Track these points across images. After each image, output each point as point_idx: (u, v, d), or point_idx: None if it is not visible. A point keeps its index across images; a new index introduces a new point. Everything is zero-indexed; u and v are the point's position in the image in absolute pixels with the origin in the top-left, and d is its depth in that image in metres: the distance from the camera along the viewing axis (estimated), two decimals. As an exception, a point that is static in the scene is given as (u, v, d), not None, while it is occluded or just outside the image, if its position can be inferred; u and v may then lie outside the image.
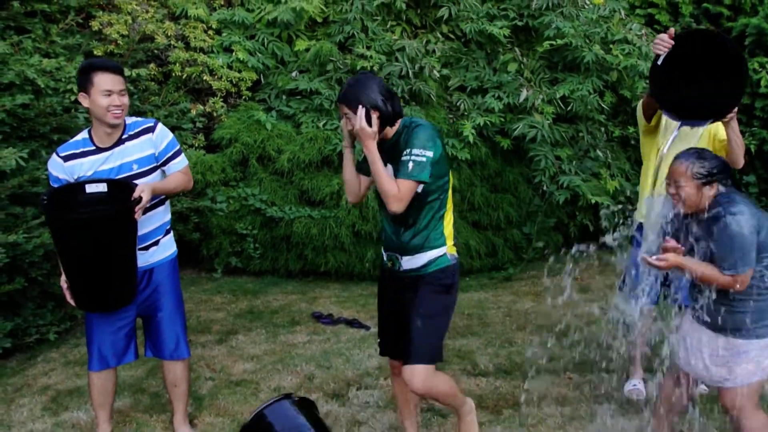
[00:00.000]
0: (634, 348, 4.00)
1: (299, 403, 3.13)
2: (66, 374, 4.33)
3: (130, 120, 3.23)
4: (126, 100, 3.10)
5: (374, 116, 2.81)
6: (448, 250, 2.95)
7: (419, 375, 2.84)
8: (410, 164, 2.76)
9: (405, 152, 2.80)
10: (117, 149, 3.12)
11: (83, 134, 3.19)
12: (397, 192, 2.77)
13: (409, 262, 2.95)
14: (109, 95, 3.03)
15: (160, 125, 3.26)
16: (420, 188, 2.82)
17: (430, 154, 2.77)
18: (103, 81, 3.02)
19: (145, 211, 3.15)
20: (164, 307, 3.33)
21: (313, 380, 4.21)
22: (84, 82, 3.05)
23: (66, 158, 3.12)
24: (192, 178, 3.36)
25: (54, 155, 3.14)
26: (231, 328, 5.18)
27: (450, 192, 2.95)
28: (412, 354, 2.86)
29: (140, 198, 2.94)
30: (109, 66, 3.07)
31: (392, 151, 2.89)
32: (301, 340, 4.93)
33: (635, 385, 3.97)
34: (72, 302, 3.14)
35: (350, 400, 3.94)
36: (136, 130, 3.19)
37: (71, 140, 3.20)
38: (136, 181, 3.07)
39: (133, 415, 3.79)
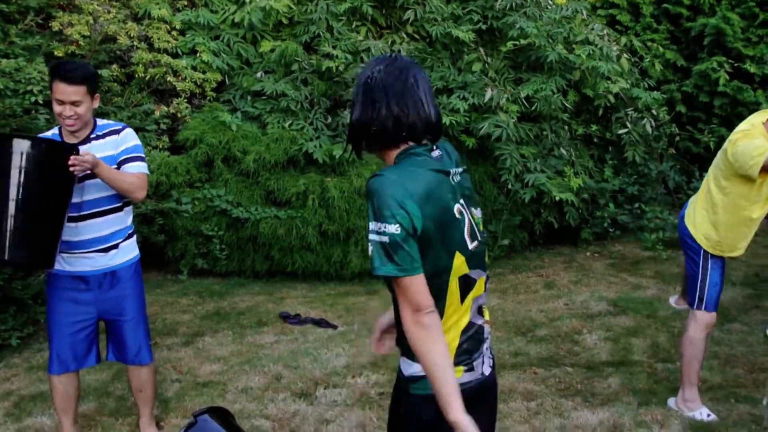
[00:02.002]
0: None
1: (217, 416, 3.12)
2: (29, 379, 4.27)
3: (101, 122, 3.24)
4: (81, 110, 3.02)
5: None
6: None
7: None
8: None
9: None
10: (84, 147, 3.10)
11: (54, 130, 3.21)
12: None
13: (402, 364, 1.96)
14: (61, 104, 3.00)
15: (128, 129, 3.25)
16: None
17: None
18: (57, 89, 2.99)
19: (106, 213, 3.16)
20: (127, 311, 3.30)
21: (280, 380, 4.21)
22: (50, 85, 3.06)
23: None
24: (146, 189, 3.19)
25: None
26: (197, 330, 5.15)
27: (456, 285, 1.87)
28: None
29: (78, 150, 2.89)
30: (65, 76, 2.99)
31: None
32: (269, 341, 4.92)
33: None
34: None
35: (318, 399, 3.95)
36: (104, 131, 3.19)
37: (42, 134, 3.21)
38: (97, 180, 3.06)
39: (99, 419, 3.76)
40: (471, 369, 1.90)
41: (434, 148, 1.86)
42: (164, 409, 3.84)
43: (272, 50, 6.75)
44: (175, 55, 6.65)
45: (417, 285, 1.74)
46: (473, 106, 6.65)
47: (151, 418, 3.52)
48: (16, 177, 2.79)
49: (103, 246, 3.20)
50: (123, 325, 3.30)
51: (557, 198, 6.61)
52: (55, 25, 6.04)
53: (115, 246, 3.24)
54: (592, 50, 7.10)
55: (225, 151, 6.34)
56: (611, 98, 7.00)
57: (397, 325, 1.88)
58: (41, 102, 4.82)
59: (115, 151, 3.16)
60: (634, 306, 5.46)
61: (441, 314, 1.83)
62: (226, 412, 3.23)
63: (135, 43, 6.44)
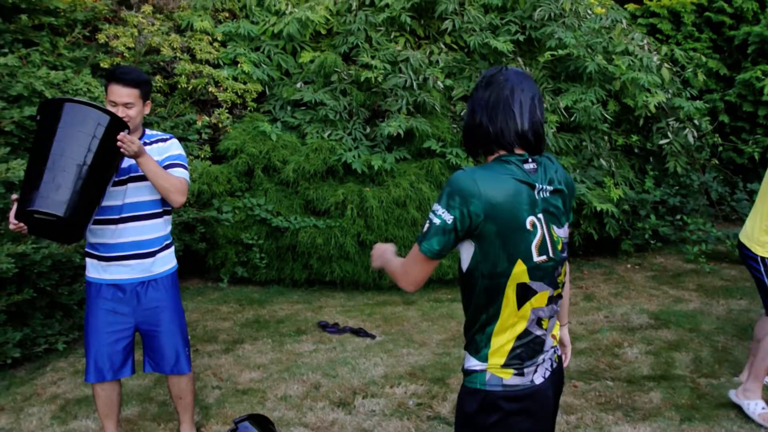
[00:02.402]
0: None
1: (257, 423, 3.16)
2: (74, 383, 4.36)
3: (150, 131, 3.32)
4: (132, 112, 3.12)
5: None
6: (488, 367, 1.98)
7: None
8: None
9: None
10: None
11: None
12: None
13: (465, 358, 2.08)
14: (114, 106, 3.09)
15: (174, 140, 3.33)
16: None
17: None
18: (111, 91, 3.09)
19: (146, 218, 3.21)
20: (163, 321, 3.32)
21: (319, 389, 4.23)
22: (105, 88, 3.15)
23: None
24: (185, 195, 3.21)
25: None
26: (237, 338, 5.21)
27: (513, 291, 1.94)
28: None
29: (129, 130, 2.97)
30: (120, 78, 3.10)
31: None
32: (307, 349, 4.96)
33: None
34: (13, 223, 2.90)
35: (356, 408, 3.96)
36: (152, 140, 3.27)
37: None
38: (140, 183, 3.15)
39: (141, 423, 3.82)
40: (521, 374, 1.97)
41: (529, 159, 1.94)
42: (205, 415, 3.89)
43: (312, 61, 6.83)
44: (216, 66, 6.76)
45: (426, 267, 1.97)
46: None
47: (191, 424, 3.57)
48: (87, 143, 2.85)
49: (140, 251, 3.23)
50: (160, 336, 3.32)
51: (597, 209, 6.56)
52: (102, 38, 6.18)
53: (153, 254, 3.27)
54: (632, 61, 7.04)
55: (265, 161, 6.42)
56: (652, 108, 6.92)
57: (465, 316, 2.03)
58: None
59: (160, 158, 3.22)
60: (676, 319, 5.38)
61: (496, 315, 1.94)
62: (266, 419, 3.28)
63: (178, 54, 6.57)
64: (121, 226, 3.18)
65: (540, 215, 1.93)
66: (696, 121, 7.46)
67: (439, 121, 6.68)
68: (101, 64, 5.99)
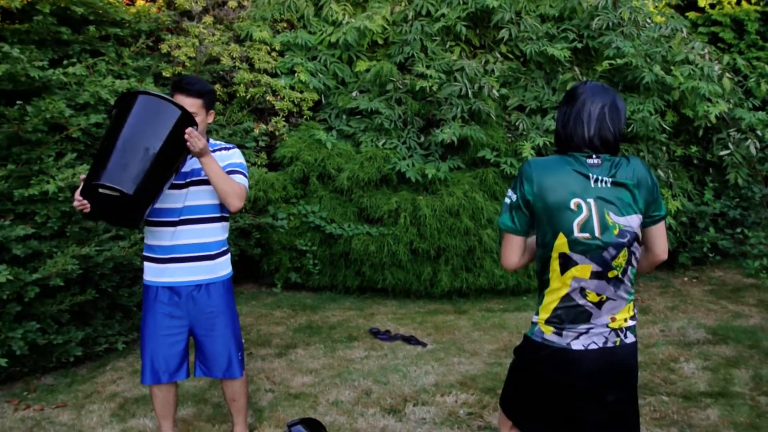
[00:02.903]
0: None
1: (310, 427, 3.18)
2: (133, 382, 4.49)
3: (214, 141, 3.41)
4: (197, 120, 3.23)
5: None
6: (538, 321, 2.38)
7: None
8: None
9: None
10: (191, 160, 3.27)
11: None
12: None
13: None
14: None
15: (237, 149, 3.42)
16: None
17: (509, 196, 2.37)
18: (176, 100, 3.17)
19: (204, 221, 3.28)
20: (217, 327, 3.37)
21: (370, 395, 4.27)
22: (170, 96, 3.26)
23: None
24: (242, 200, 3.27)
25: None
26: (290, 342, 5.28)
27: (556, 259, 2.31)
28: None
29: (196, 126, 3.06)
30: (184, 88, 3.20)
31: None
32: (359, 356, 5.00)
33: None
34: (78, 200, 2.97)
35: (407, 415, 3.98)
36: (215, 148, 3.36)
37: None
38: (200, 187, 3.23)
39: (196, 424, 3.91)
40: (559, 334, 2.32)
41: (593, 156, 2.29)
42: (258, 418, 3.95)
43: (367, 70, 6.90)
44: (274, 75, 6.89)
45: (509, 242, 2.41)
46: (567, 126, 6.57)
47: (244, 427, 3.63)
48: (156, 132, 2.96)
49: (196, 254, 3.30)
50: (213, 341, 3.37)
51: (654, 221, 6.44)
52: (164, 48, 6.37)
53: (209, 257, 3.33)
54: (692, 70, 6.91)
55: (320, 169, 6.50)
56: (713, 118, 6.78)
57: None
58: (150, 120, 5.09)
59: (222, 164, 3.30)
60: (735, 335, 5.25)
61: (548, 280, 2.35)
62: (319, 423, 3.32)
63: (237, 63, 6.71)
64: (179, 228, 3.25)
65: (590, 200, 2.24)
66: (759, 132, 7.27)
67: (493, 131, 6.67)
68: (163, 73, 6.18)
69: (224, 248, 3.42)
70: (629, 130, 6.73)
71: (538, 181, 2.27)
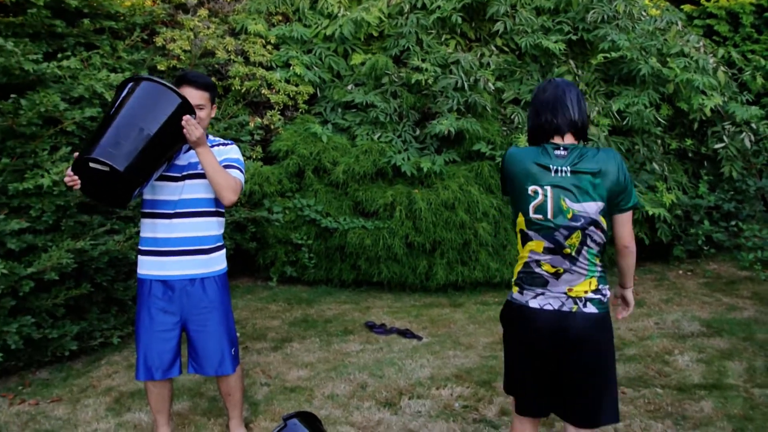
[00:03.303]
0: None
1: (305, 420, 3.19)
2: (128, 377, 4.49)
3: (212, 137, 3.40)
4: (203, 114, 3.25)
5: None
6: (512, 283, 2.78)
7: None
8: None
9: None
10: (189, 153, 3.26)
11: None
12: None
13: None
14: None
15: (234, 146, 3.41)
16: None
17: None
18: (186, 95, 3.16)
19: (200, 215, 3.28)
20: (210, 322, 3.36)
21: (365, 388, 4.27)
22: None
23: None
24: (237, 195, 3.27)
25: None
26: (286, 336, 5.29)
27: (518, 234, 2.70)
28: None
29: (195, 115, 3.07)
30: (192, 81, 3.22)
31: None
32: (354, 349, 5.00)
33: None
34: (69, 175, 2.96)
35: (402, 409, 3.99)
36: (214, 144, 3.35)
37: None
38: (196, 181, 3.23)
39: (192, 418, 3.91)
40: (521, 293, 2.69)
41: (560, 147, 2.58)
42: (254, 411, 3.96)
43: (363, 63, 6.89)
44: (269, 69, 6.87)
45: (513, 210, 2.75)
46: (563, 120, 6.58)
47: (240, 420, 3.64)
48: (154, 115, 2.97)
49: (191, 247, 3.29)
50: (205, 338, 3.35)
51: (649, 213, 6.46)
52: (159, 41, 6.35)
53: (203, 251, 3.33)
54: (687, 63, 6.92)
55: (315, 162, 6.50)
56: (707, 112, 6.79)
57: None
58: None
59: (218, 158, 3.30)
60: (730, 327, 5.27)
61: (518, 250, 2.74)
62: (314, 417, 3.32)
63: (232, 57, 6.70)
64: (175, 221, 3.25)
65: (547, 187, 2.56)
66: (753, 125, 7.29)
67: (489, 124, 6.67)
68: (158, 67, 6.16)
69: (219, 243, 3.41)
70: (624, 123, 6.74)
71: (508, 169, 2.67)
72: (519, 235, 2.69)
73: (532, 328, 2.66)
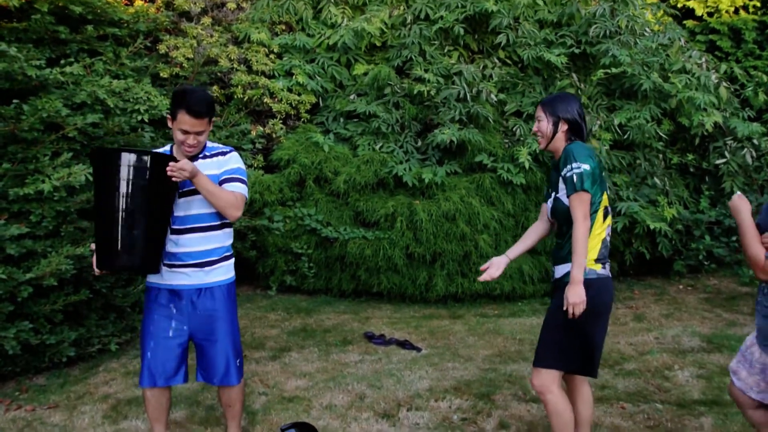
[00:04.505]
0: None
1: (303, 431, 3.17)
2: (125, 384, 4.47)
3: (211, 144, 3.36)
4: (202, 138, 3.20)
5: (563, 127, 3.13)
6: (587, 264, 2.99)
7: (534, 374, 3.14)
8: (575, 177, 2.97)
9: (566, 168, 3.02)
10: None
11: (166, 147, 3.37)
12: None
13: (558, 271, 3.15)
14: (185, 134, 3.16)
15: (234, 153, 3.37)
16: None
17: (586, 166, 2.97)
18: (184, 121, 3.13)
19: (206, 229, 3.26)
20: (216, 332, 3.35)
21: (364, 399, 4.25)
22: (172, 110, 3.18)
23: None
24: (241, 210, 3.27)
25: None
26: (284, 345, 5.27)
27: (600, 211, 3.05)
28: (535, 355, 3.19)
29: (176, 161, 3.03)
30: (193, 110, 3.13)
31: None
32: (353, 360, 4.98)
33: None
34: (96, 267, 3.10)
35: (401, 420, 3.97)
36: (212, 153, 3.31)
37: (157, 149, 3.39)
38: (198, 197, 3.20)
39: (189, 426, 3.89)
40: (603, 267, 3.06)
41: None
42: (251, 421, 3.94)
43: (365, 73, 6.90)
44: (272, 77, 6.88)
45: None
46: (565, 133, 6.59)
47: (238, 430, 3.62)
48: (124, 188, 2.97)
49: (198, 261, 3.29)
50: (211, 346, 3.35)
51: (650, 227, 6.46)
52: (162, 48, 6.36)
53: (211, 263, 3.33)
54: (689, 79, 6.93)
55: (317, 172, 6.50)
56: (708, 128, 6.79)
57: None
58: (146, 120, 5.07)
59: (218, 171, 3.27)
60: (730, 344, 5.25)
61: None
62: (312, 428, 3.30)
63: (235, 65, 6.71)
64: (182, 236, 3.24)
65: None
66: (755, 141, 7.29)
67: (491, 136, 6.67)
68: (161, 74, 6.17)
69: (227, 253, 3.40)
70: (625, 137, 6.74)
71: (594, 155, 3.08)
72: (602, 213, 3.02)
73: (612, 295, 3.10)
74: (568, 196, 3.00)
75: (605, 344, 5.25)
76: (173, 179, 3.01)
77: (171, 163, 2.99)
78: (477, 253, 6.33)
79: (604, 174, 3.08)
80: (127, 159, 3.00)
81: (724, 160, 7.19)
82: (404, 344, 5.28)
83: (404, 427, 3.87)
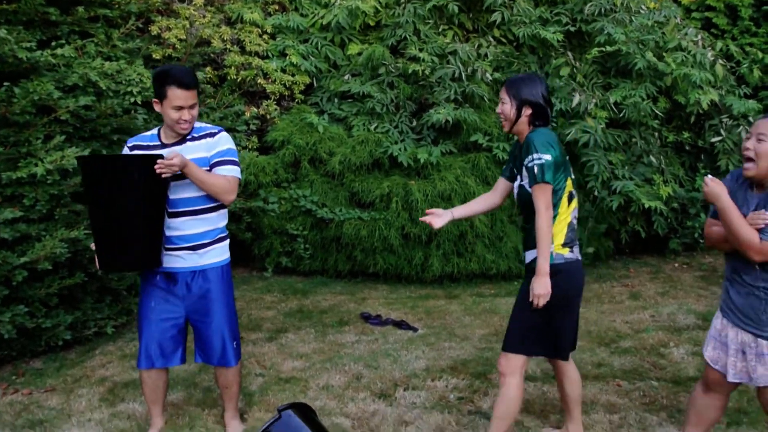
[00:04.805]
0: None
1: (300, 411, 3.18)
2: (122, 367, 4.47)
3: (198, 124, 3.32)
4: (195, 112, 3.19)
5: (527, 111, 3.06)
6: (554, 249, 2.99)
7: (501, 357, 3.16)
8: (536, 168, 2.93)
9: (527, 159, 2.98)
10: (178, 147, 3.21)
11: (153, 131, 3.34)
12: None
13: (528, 256, 3.14)
14: (180, 110, 3.13)
15: (223, 133, 3.33)
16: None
17: (548, 156, 2.94)
18: (176, 96, 3.10)
19: (198, 212, 3.25)
20: (212, 313, 3.35)
21: (360, 379, 4.26)
22: (158, 92, 3.14)
23: (132, 148, 3.28)
24: (234, 193, 3.27)
25: (125, 145, 3.32)
26: (281, 327, 5.27)
27: (565, 197, 3.04)
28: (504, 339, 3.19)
29: (162, 155, 3.02)
30: (183, 82, 3.11)
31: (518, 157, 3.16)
32: (350, 340, 4.99)
33: None
34: (98, 265, 3.12)
35: (397, 400, 3.98)
36: (200, 134, 3.28)
37: (142, 134, 3.36)
38: (179, 182, 3.18)
39: (186, 408, 3.90)
40: (571, 250, 3.06)
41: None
42: (248, 402, 3.95)
43: (359, 53, 6.85)
44: (265, 58, 6.83)
45: None
46: (560, 112, 6.57)
47: (235, 412, 3.63)
48: (116, 194, 2.99)
49: (192, 244, 3.28)
50: (208, 328, 3.35)
51: (646, 206, 6.45)
52: (154, 29, 6.30)
53: (205, 245, 3.32)
54: (685, 57, 6.89)
55: (312, 153, 6.47)
56: (704, 106, 6.77)
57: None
58: (139, 102, 5.03)
59: (208, 154, 3.24)
60: (725, 320, 5.26)
61: None
62: (309, 408, 3.30)
63: (228, 46, 6.65)
64: (174, 220, 3.23)
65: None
66: (751, 119, 7.27)
67: (486, 115, 6.64)
68: (153, 56, 6.11)
69: (221, 235, 3.39)
70: (621, 115, 6.72)
71: (558, 141, 3.06)
72: (566, 198, 3.01)
73: (582, 277, 3.10)
74: (529, 187, 2.99)
75: (600, 322, 5.28)
76: (164, 176, 3.00)
77: (159, 161, 2.97)
78: (473, 233, 6.33)
79: (567, 158, 3.04)
80: (115, 166, 3.01)
81: (719, 138, 7.17)
82: (400, 324, 5.29)
83: (401, 407, 3.88)
